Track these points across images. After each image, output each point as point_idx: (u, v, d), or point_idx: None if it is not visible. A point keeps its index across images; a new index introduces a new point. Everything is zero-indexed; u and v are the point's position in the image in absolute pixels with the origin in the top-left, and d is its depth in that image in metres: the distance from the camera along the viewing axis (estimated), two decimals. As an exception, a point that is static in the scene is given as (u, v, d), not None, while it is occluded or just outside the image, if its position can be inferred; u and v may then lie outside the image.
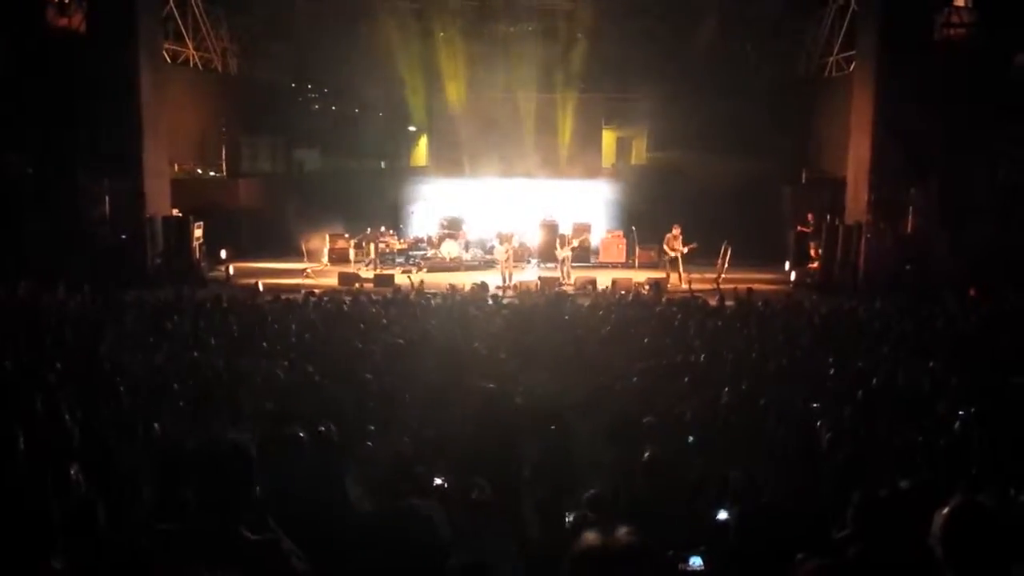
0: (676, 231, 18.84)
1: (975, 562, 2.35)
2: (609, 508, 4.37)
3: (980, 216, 17.25)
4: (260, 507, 3.02)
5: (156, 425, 5.90)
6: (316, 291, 15.19)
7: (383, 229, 21.14)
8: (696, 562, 3.75)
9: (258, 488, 3.03)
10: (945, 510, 2.40)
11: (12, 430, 4.62)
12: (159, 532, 2.98)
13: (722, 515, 3.94)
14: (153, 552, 2.98)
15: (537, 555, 4.22)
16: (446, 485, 4.82)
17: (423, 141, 27.91)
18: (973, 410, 6.32)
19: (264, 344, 9.74)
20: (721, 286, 17.72)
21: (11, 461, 4.49)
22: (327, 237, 21.54)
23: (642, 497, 4.48)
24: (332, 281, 18.40)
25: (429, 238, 22.67)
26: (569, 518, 4.32)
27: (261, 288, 16.35)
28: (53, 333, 10.31)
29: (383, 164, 27.23)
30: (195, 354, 9.05)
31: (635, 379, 8.34)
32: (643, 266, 21.10)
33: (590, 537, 1.93)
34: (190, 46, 22.71)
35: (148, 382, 7.56)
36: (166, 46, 20.97)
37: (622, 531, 1.94)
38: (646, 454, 4.63)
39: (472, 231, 22.92)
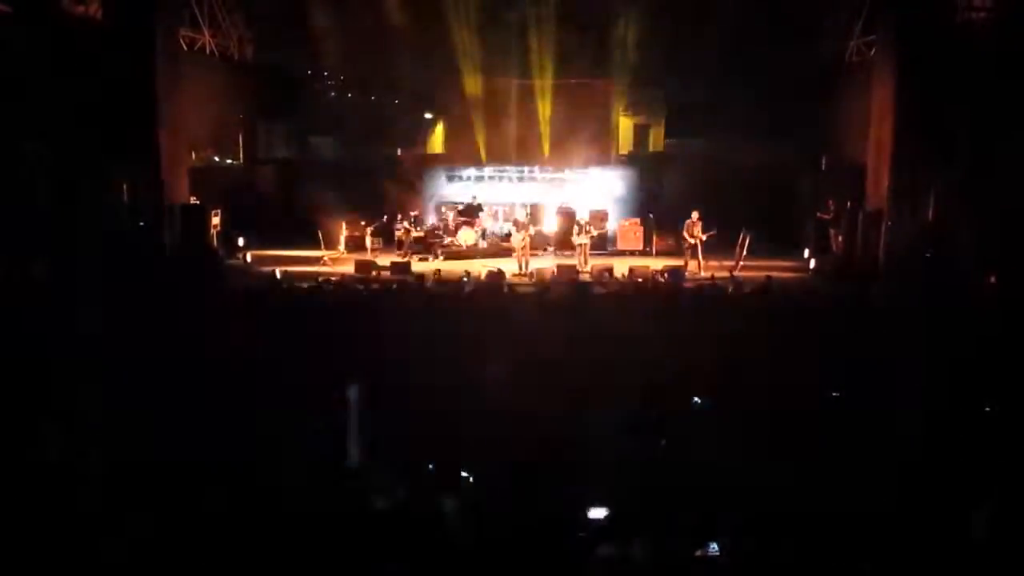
0: (696, 216, 18.69)
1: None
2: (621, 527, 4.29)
3: (1004, 202, 17.02)
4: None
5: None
6: (332, 278, 15.19)
7: (400, 217, 21.07)
8: (713, 548, 3.75)
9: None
10: (989, 505, 2.33)
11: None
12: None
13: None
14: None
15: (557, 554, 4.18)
16: (471, 479, 4.79)
17: (439, 128, 27.82)
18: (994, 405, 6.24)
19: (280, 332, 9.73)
20: (740, 274, 17.60)
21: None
22: (344, 224, 21.53)
23: (658, 487, 4.43)
24: (349, 268, 18.40)
25: (445, 225, 22.61)
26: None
27: (279, 275, 16.36)
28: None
29: (399, 151, 27.15)
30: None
31: (652, 367, 8.26)
32: (660, 254, 20.99)
33: (605, 552, 1.90)
34: (206, 33, 22.69)
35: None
36: (182, 33, 20.96)
37: (637, 546, 1.90)
38: (662, 444, 4.58)
39: (488, 218, 22.88)
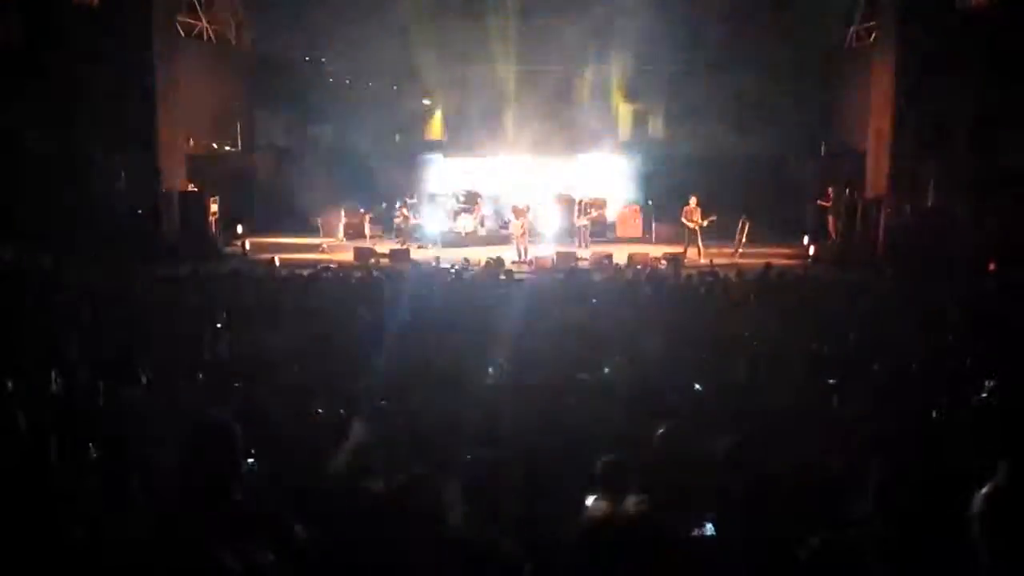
0: (693, 203, 18.68)
1: (1015, 542, 2.27)
2: (623, 476, 4.31)
3: (1002, 188, 17.00)
4: (254, 481, 2.99)
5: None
6: (331, 266, 15.18)
7: (398, 205, 21.04)
8: (708, 528, 3.73)
9: (252, 462, 2.99)
10: (987, 488, 2.32)
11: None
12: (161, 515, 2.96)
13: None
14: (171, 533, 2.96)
15: (551, 534, 4.18)
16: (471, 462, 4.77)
17: (437, 115, 27.76)
18: (992, 386, 6.22)
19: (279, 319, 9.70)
20: (739, 260, 17.59)
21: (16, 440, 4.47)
22: (342, 212, 21.49)
23: (656, 470, 4.42)
24: (348, 256, 18.38)
25: (445, 212, 22.54)
26: (588, 501, 4.27)
27: (277, 263, 16.34)
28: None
29: (397, 138, 27.11)
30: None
31: (652, 355, 8.25)
32: (660, 241, 20.97)
33: (601, 507, 1.89)
34: (204, 19, 22.58)
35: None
36: (180, 19, 20.87)
37: (631, 500, 1.89)
38: (660, 429, 4.57)
39: (487, 205, 22.83)
